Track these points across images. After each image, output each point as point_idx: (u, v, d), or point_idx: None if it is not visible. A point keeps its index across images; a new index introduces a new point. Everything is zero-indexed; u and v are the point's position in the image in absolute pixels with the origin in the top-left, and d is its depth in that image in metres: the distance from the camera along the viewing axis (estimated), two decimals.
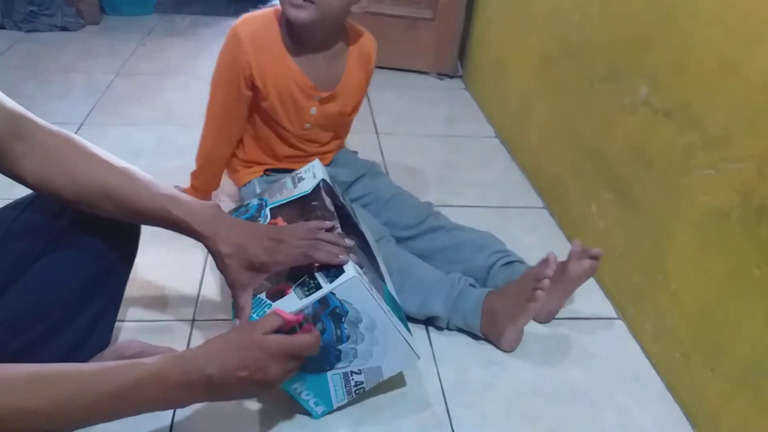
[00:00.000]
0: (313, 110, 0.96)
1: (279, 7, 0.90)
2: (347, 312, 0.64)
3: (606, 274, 1.00)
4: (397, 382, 0.79)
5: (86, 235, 0.65)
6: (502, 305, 0.82)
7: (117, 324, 0.75)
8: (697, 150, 0.77)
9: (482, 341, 0.87)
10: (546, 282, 0.77)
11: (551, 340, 0.88)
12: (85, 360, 0.65)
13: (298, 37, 0.91)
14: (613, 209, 0.98)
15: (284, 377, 0.57)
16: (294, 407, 0.74)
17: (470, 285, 0.87)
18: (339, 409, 0.73)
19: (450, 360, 0.84)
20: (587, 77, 1.07)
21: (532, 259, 1.06)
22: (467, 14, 1.77)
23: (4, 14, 1.91)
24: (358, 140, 1.32)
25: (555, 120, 1.21)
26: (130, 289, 0.75)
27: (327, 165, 1.04)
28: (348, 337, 0.66)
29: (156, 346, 0.72)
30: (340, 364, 0.68)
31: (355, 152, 1.15)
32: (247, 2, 2.56)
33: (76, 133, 1.33)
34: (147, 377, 0.50)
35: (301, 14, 0.84)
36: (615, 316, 0.95)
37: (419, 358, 0.70)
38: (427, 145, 1.45)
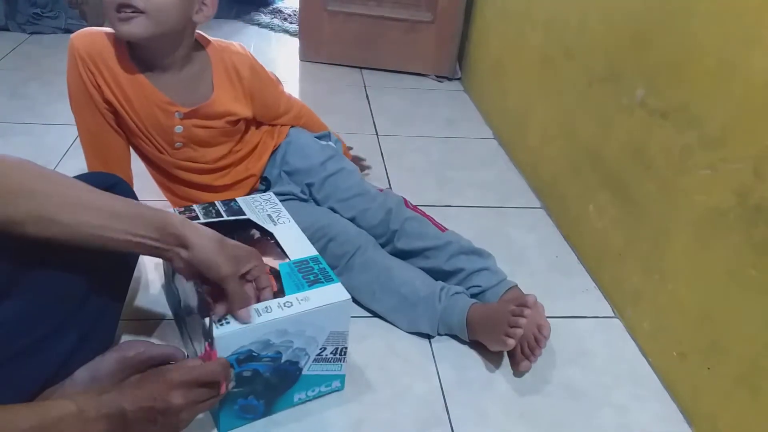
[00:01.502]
0: (179, 128, 0.89)
1: None
2: (249, 350, 0.64)
3: (604, 274, 1.01)
4: (396, 381, 0.80)
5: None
6: (483, 328, 0.82)
7: (120, 323, 0.76)
8: (694, 150, 0.78)
9: None
10: (518, 331, 0.77)
11: (550, 339, 0.88)
12: (88, 359, 0.66)
13: (140, 58, 0.84)
14: (610, 209, 0.99)
15: (194, 406, 0.57)
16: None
17: (455, 293, 0.86)
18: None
19: (449, 359, 0.84)
20: (585, 78, 1.08)
21: (531, 259, 1.07)
22: (466, 17, 1.78)
23: (8, 16, 1.92)
24: (358, 141, 1.33)
25: (553, 121, 1.22)
26: (133, 288, 0.76)
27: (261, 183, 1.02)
28: (279, 352, 0.66)
29: (158, 344, 0.73)
30: (302, 363, 0.69)
31: (325, 136, 1.08)
32: (249, 4, 2.58)
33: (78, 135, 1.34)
34: (67, 415, 0.51)
35: (132, 29, 0.77)
36: (612, 315, 0.96)
37: (349, 296, 0.69)
38: (426, 146, 1.45)
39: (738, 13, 0.71)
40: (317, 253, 0.76)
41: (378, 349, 0.85)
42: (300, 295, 0.68)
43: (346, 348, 0.72)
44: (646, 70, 0.89)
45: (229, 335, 0.62)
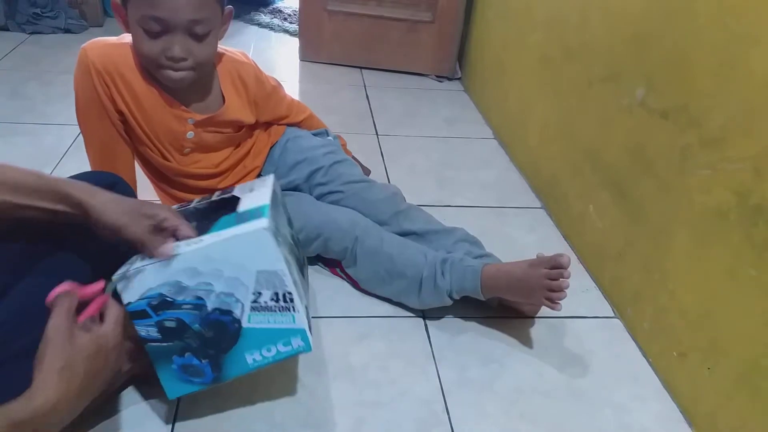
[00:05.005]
0: (190, 134, 0.90)
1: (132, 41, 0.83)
2: (160, 294, 0.60)
3: (604, 274, 1.01)
4: (396, 381, 0.80)
5: (89, 234, 0.66)
6: (508, 292, 0.83)
7: None
8: (694, 150, 0.78)
9: (482, 339, 0.88)
10: (562, 294, 0.78)
11: (550, 339, 0.89)
12: None
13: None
14: (611, 209, 0.99)
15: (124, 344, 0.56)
16: (296, 404, 0.74)
17: (460, 260, 0.87)
18: (309, 325, 0.67)
19: (449, 358, 0.84)
20: (585, 78, 1.08)
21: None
22: (466, 17, 1.79)
23: (8, 16, 1.92)
24: (358, 141, 1.33)
25: (553, 121, 1.22)
26: None
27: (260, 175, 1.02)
28: (200, 298, 0.61)
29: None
30: (237, 312, 0.63)
31: (323, 131, 1.10)
32: (248, 4, 2.59)
33: (79, 134, 1.34)
34: None
35: (182, 82, 0.82)
36: (613, 315, 0.96)
37: (265, 225, 0.61)
38: (426, 146, 1.45)
39: (738, 12, 0.71)
40: (267, 203, 0.68)
41: (378, 349, 0.85)
42: (215, 234, 0.62)
43: (290, 293, 0.63)
44: (646, 70, 0.89)
45: (138, 279, 0.59)
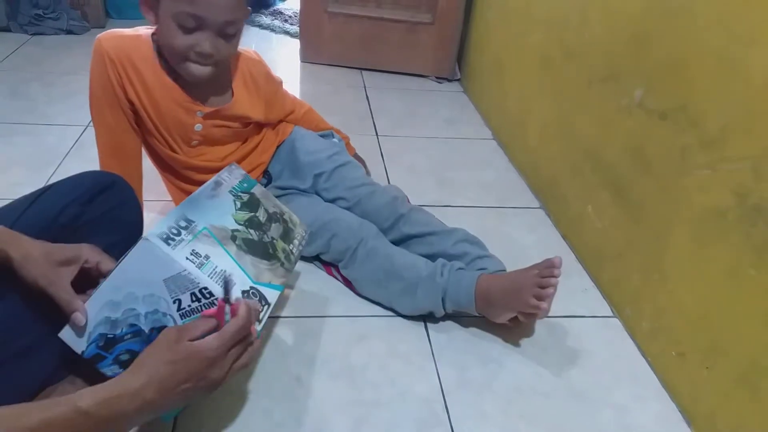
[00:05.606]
0: (198, 126, 0.91)
1: (147, 32, 0.86)
2: (100, 334, 0.61)
3: (603, 274, 1.01)
4: (396, 381, 0.80)
5: (88, 234, 0.66)
6: (500, 296, 0.83)
7: None
8: (694, 151, 0.78)
9: (481, 339, 0.88)
10: (550, 290, 0.78)
11: (549, 339, 0.89)
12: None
13: (168, 61, 0.87)
14: (610, 209, 0.99)
15: (235, 367, 0.57)
16: (295, 404, 0.75)
17: (459, 269, 0.87)
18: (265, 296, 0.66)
19: (449, 359, 0.84)
20: (585, 79, 1.08)
21: (531, 259, 1.07)
22: (466, 18, 1.79)
23: (10, 17, 1.93)
24: (359, 141, 1.33)
25: (553, 121, 1.22)
26: None
27: (263, 175, 1.02)
28: (133, 324, 0.62)
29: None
30: (171, 325, 0.62)
31: (328, 134, 1.12)
32: (249, 6, 2.57)
33: (80, 135, 1.35)
34: (76, 415, 0.49)
35: (204, 75, 0.84)
36: (612, 315, 0.96)
37: (146, 237, 0.59)
38: (425, 147, 1.46)
39: (737, 12, 0.71)
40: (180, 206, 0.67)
41: (378, 349, 0.85)
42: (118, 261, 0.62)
43: (205, 288, 0.60)
44: (645, 70, 0.90)
45: (69, 330, 0.61)
